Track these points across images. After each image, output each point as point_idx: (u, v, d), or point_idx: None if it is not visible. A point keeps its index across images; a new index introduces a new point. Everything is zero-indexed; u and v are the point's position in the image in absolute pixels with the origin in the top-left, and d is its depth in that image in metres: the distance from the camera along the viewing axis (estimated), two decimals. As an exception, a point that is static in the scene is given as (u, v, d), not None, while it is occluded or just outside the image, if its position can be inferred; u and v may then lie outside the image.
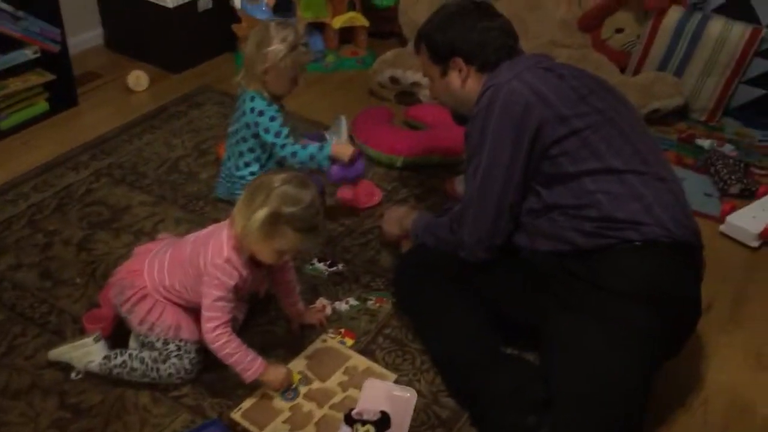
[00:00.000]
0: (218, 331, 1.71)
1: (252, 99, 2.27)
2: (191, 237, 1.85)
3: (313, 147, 2.29)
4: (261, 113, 2.26)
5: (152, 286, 1.82)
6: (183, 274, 1.78)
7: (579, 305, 1.73)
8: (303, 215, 1.65)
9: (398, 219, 2.22)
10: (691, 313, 1.78)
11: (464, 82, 1.91)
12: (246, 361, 1.74)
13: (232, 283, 1.71)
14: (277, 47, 2.18)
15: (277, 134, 2.27)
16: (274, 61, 2.19)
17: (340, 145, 2.31)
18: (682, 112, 3.19)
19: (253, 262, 1.76)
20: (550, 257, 1.79)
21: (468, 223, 1.83)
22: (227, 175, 2.43)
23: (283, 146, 2.27)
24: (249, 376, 1.76)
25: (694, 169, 2.86)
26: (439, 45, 1.91)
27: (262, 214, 1.63)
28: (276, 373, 1.80)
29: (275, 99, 2.31)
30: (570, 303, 1.75)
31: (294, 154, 2.28)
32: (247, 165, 2.37)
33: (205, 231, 1.83)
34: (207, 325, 1.71)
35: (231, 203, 2.37)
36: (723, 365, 2.02)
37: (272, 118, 2.26)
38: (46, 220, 2.38)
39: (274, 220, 1.63)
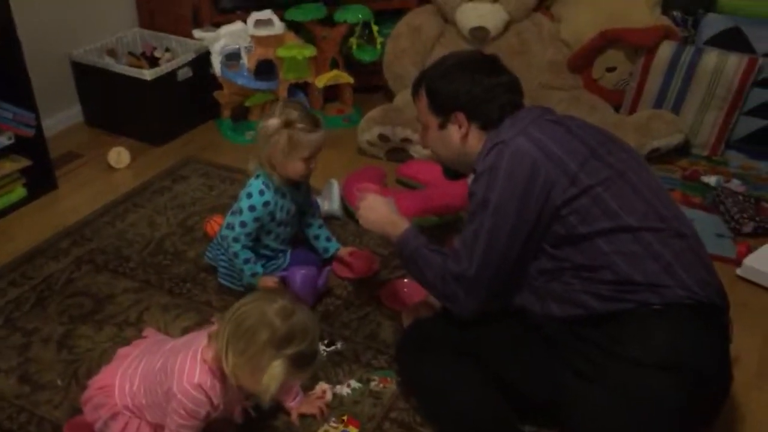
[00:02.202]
0: None
1: (257, 177, 2.18)
2: (168, 345, 1.71)
3: (251, 267, 2.17)
4: (249, 195, 2.16)
5: (122, 404, 1.68)
6: (152, 397, 1.64)
7: (598, 376, 1.60)
8: (307, 352, 1.56)
9: (384, 217, 1.95)
10: (721, 380, 1.64)
11: (464, 138, 1.80)
12: None
13: (203, 412, 1.58)
14: (270, 122, 2.08)
15: (242, 224, 2.15)
16: (265, 135, 2.09)
17: (267, 278, 2.19)
18: (683, 149, 3.09)
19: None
20: (564, 323, 1.67)
21: (465, 284, 1.71)
22: (218, 241, 2.32)
23: (235, 239, 2.15)
24: None
25: (702, 208, 2.74)
26: (442, 95, 1.80)
27: (280, 368, 1.52)
28: None
29: (290, 183, 2.19)
30: (587, 374, 1.62)
31: (236, 254, 2.17)
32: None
33: (180, 341, 1.69)
34: None
35: (223, 289, 2.30)
36: (760, 428, 1.88)
37: (252, 208, 2.14)
38: (25, 317, 2.24)
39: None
